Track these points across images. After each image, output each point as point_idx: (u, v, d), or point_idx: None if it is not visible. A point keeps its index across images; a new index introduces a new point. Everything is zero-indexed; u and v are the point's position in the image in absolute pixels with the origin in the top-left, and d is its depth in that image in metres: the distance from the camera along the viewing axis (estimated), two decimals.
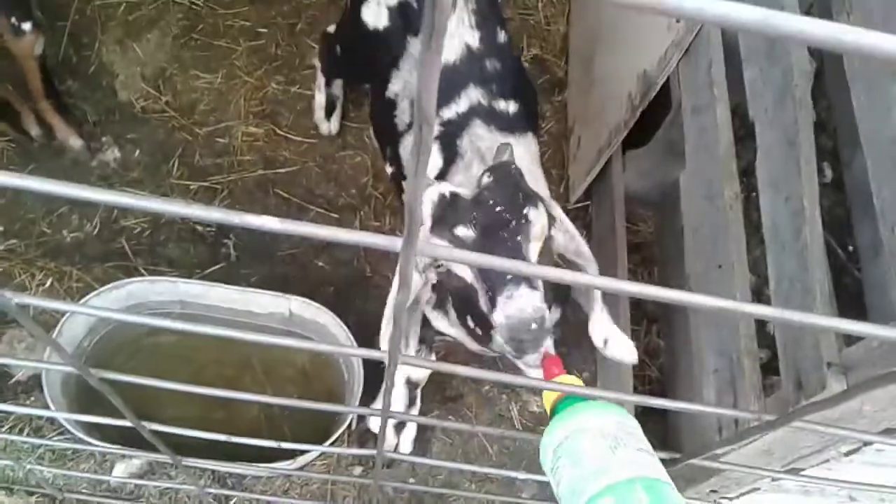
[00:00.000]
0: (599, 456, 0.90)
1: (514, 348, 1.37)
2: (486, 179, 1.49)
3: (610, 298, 2.70)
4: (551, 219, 1.55)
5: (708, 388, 1.91)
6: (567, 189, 3.17)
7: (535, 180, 1.87)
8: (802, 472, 1.88)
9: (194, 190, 2.96)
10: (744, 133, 2.13)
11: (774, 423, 0.98)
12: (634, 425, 0.98)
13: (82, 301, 2.32)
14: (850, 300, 2.52)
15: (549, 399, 1.13)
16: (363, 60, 2.34)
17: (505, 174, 1.50)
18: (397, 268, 1.74)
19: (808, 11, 2.08)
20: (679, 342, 2.67)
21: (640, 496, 0.85)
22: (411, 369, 2.31)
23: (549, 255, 1.59)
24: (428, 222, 1.47)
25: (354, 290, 2.82)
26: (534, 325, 1.34)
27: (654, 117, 2.75)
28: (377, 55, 2.21)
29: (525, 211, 1.45)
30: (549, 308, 1.44)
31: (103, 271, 2.73)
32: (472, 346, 2.11)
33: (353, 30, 2.29)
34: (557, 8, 3.55)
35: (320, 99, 3.07)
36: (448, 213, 1.46)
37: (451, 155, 1.95)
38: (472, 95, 1.98)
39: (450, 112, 1.98)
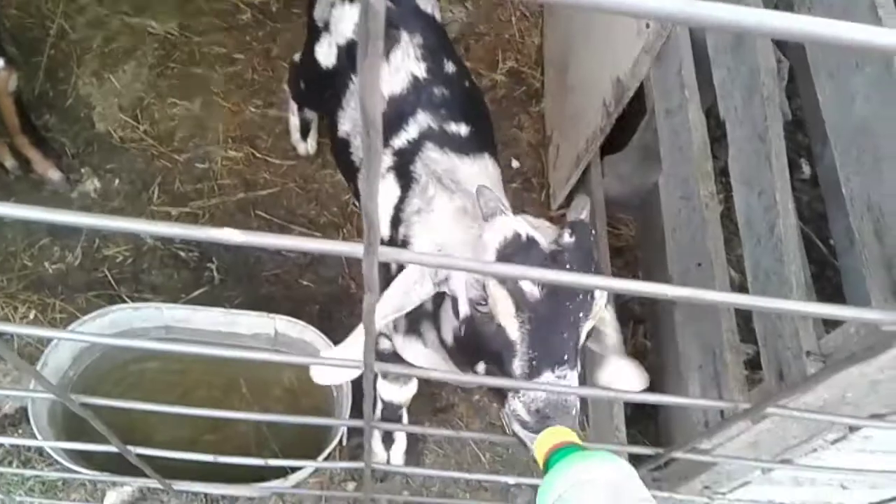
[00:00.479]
0: None
1: (536, 423, 1.26)
2: (566, 238, 1.36)
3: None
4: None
5: (693, 385, 1.93)
6: (548, 197, 3.20)
7: None
8: (791, 464, 1.90)
9: (175, 216, 2.96)
10: (720, 133, 2.16)
11: (750, 411, 1.00)
12: (631, 473, 0.98)
13: (67, 330, 2.31)
14: (833, 293, 2.55)
15: (541, 450, 1.12)
16: (321, 97, 2.35)
17: (584, 236, 1.38)
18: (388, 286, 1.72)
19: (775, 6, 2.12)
20: (665, 342, 2.69)
21: None
22: (391, 393, 2.29)
23: None
24: (492, 257, 1.35)
25: (340, 307, 2.83)
26: (574, 412, 1.27)
27: (630, 122, 2.79)
28: (330, 93, 2.22)
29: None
30: None
31: (86, 301, 2.72)
32: (448, 377, 2.11)
33: (310, 66, 2.31)
34: (531, 21, 3.61)
35: (294, 122, 3.09)
36: (518, 257, 1.33)
37: (406, 182, 1.91)
38: (422, 120, 1.96)
39: (400, 141, 1.96)
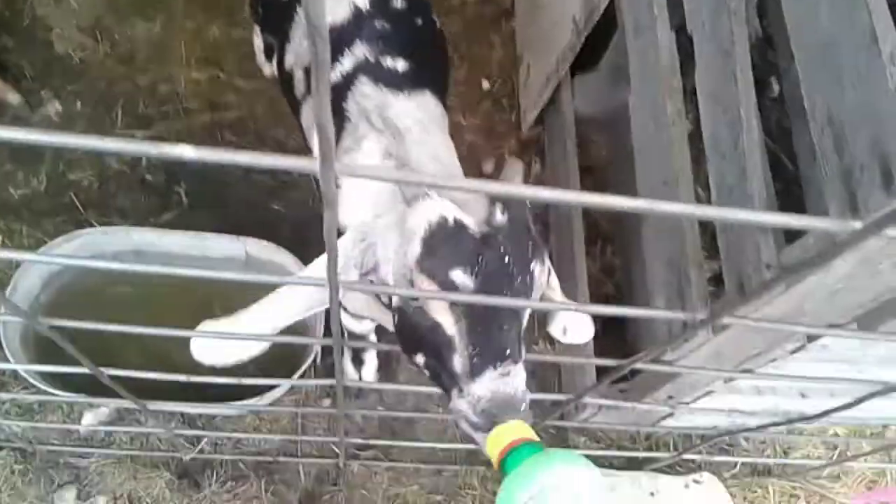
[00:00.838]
0: None
1: (484, 422, 1.18)
2: (498, 217, 1.27)
3: (565, 235, 2.74)
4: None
5: (659, 299, 1.97)
6: (519, 118, 3.19)
7: (423, 142, 1.72)
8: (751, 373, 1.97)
9: (140, 139, 2.90)
10: (692, 52, 2.16)
11: (707, 321, 1.03)
12: (593, 473, 0.96)
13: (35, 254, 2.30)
14: (800, 209, 2.59)
15: (495, 450, 1.08)
16: (275, 23, 2.23)
17: (518, 210, 1.29)
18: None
19: None
20: (632, 259, 2.74)
21: None
22: (352, 325, 2.22)
23: None
24: (417, 248, 1.24)
25: (312, 230, 2.81)
26: (523, 407, 1.20)
27: (601, 40, 2.76)
28: (280, 21, 2.13)
29: (532, 265, 1.27)
30: None
31: (54, 226, 2.70)
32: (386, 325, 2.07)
33: None
34: None
35: (258, 43, 3.01)
36: (446, 246, 1.22)
37: (339, 120, 1.82)
38: (358, 52, 1.87)
39: (334, 74, 1.87)
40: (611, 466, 2.57)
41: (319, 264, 1.42)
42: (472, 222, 1.25)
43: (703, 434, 2.12)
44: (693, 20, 1.87)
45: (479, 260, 1.21)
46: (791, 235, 1.51)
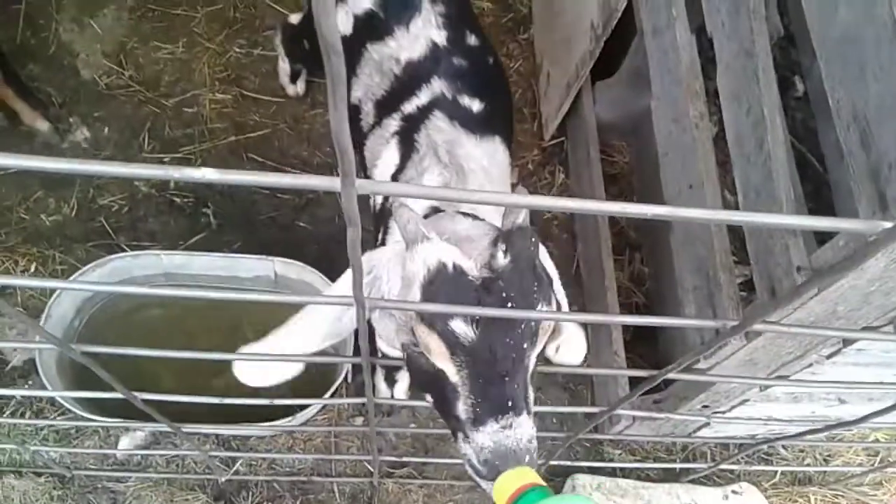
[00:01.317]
0: None
1: (487, 471, 1.16)
2: (500, 260, 1.19)
3: (592, 245, 2.71)
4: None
5: (689, 306, 1.94)
6: (541, 127, 3.17)
7: (483, 187, 1.75)
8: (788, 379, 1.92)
9: (167, 162, 2.94)
10: (713, 53, 2.13)
11: (738, 327, 1.00)
12: None
13: (68, 280, 2.33)
14: (828, 210, 2.54)
15: (502, 497, 1.06)
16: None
17: (522, 250, 1.19)
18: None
19: None
20: (661, 266, 2.70)
21: None
22: (388, 350, 2.22)
23: None
24: (417, 296, 1.19)
25: (338, 247, 2.83)
26: (527, 458, 1.16)
27: (620, 45, 2.74)
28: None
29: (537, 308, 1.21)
30: None
31: (85, 251, 2.73)
32: None
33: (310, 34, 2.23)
34: None
35: (284, 66, 3.04)
36: (445, 294, 1.16)
37: (407, 150, 1.84)
38: (436, 87, 1.89)
39: (411, 106, 1.90)
40: (647, 479, 2.53)
41: (344, 281, 1.41)
42: (472, 266, 1.19)
43: (741, 443, 2.07)
44: (712, 20, 1.84)
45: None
46: (822, 237, 1.48)
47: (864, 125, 1.22)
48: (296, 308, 1.40)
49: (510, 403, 1.16)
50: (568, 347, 1.48)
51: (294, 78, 3.06)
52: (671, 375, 1.34)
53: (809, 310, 1.48)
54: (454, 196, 0.78)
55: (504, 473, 1.10)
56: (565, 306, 1.46)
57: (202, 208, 2.89)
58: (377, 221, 1.91)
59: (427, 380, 1.27)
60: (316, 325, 1.37)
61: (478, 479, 1.21)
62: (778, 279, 1.52)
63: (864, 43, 1.22)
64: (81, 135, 2.98)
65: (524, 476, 1.08)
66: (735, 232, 2.07)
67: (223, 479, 2.37)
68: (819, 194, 2.54)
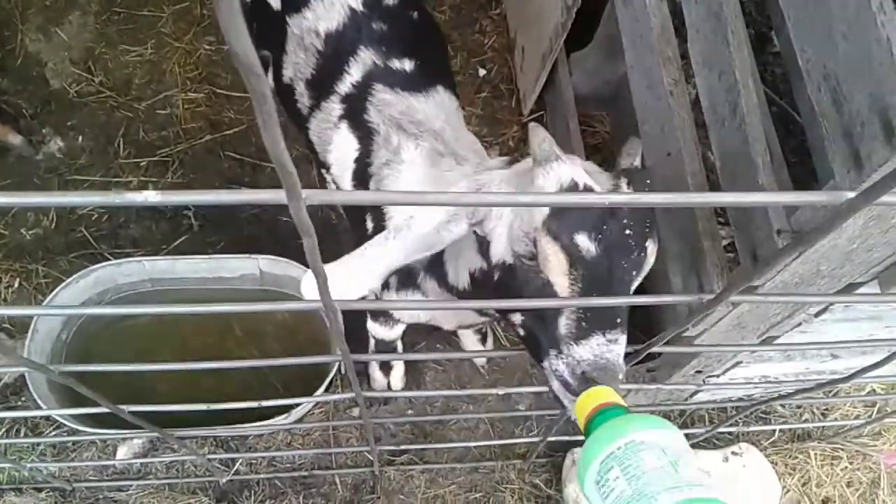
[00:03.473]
0: (664, 471, 0.87)
1: (579, 385, 1.19)
2: (625, 189, 1.29)
3: None
4: None
5: (674, 274, 1.93)
6: (519, 102, 3.14)
7: (457, 139, 1.75)
8: (778, 341, 1.92)
9: (144, 166, 2.91)
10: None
11: (714, 301, 1.00)
12: (685, 441, 0.95)
13: (51, 296, 2.31)
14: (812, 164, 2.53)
15: (583, 412, 1.07)
16: (269, 39, 2.15)
17: (642, 187, 1.30)
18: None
19: None
20: None
21: None
22: (381, 333, 2.24)
23: None
24: (546, 209, 1.22)
25: (323, 240, 2.80)
26: (621, 376, 1.20)
27: (594, 15, 2.71)
28: (274, 35, 2.07)
29: (647, 243, 1.26)
30: None
31: (68, 263, 2.71)
32: (449, 325, 2.08)
33: (259, 5, 2.13)
34: None
35: None
36: (574, 210, 1.21)
37: (364, 133, 1.80)
38: (365, 58, 1.83)
39: (345, 86, 1.84)
40: None
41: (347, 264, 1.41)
42: (601, 190, 1.27)
43: (738, 405, 2.08)
44: None
45: (604, 228, 1.21)
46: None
47: (835, 84, 1.20)
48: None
49: (618, 321, 1.21)
50: None
51: (265, 67, 3.01)
52: (658, 348, 1.33)
53: (793, 271, 1.47)
54: (417, 200, 0.76)
55: (587, 391, 1.11)
56: None
57: (184, 211, 2.87)
58: (348, 211, 1.88)
59: (526, 294, 1.30)
60: (407, 243, 1.39)
61: (563, 394, 1.24)
62: (759, 243, 1.51)
63: (831, 2, 1.20)
64: (55, 145, 2.95)
65: (608, 394, 1.09)
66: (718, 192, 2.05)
67: (224, 481, 2.37)
68: (803, 147, 2.52)
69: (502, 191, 1.40)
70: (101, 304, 2.48)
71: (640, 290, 2.68)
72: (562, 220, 1.21)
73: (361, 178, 1.81)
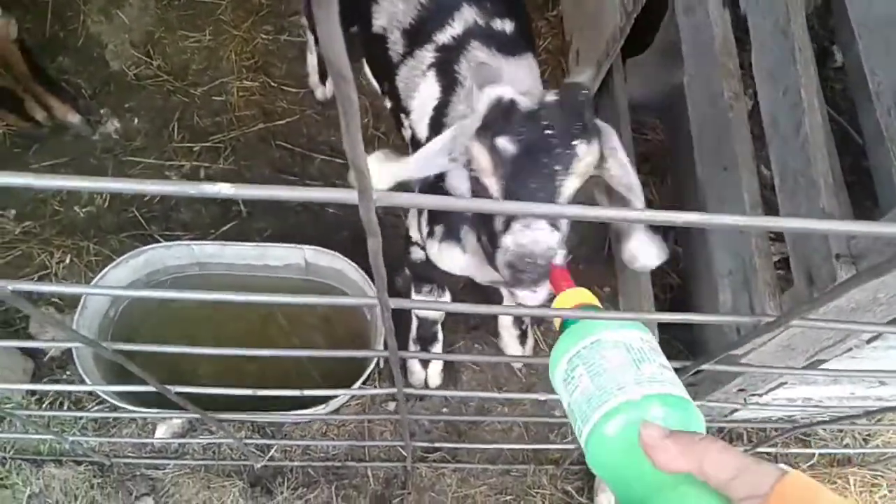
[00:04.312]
0: (623, 369, 0.87)
1: (510, 277, 1.34)
2: (549, 97, 1.39)
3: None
4: (610, 150, 1.45)
5: (724, 291, 1.90)
6: None
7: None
8: (825, 364, 1.88)
9: (197, 151, 2.95)
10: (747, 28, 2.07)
11: (773, 324, 0.98)
12: (655, 341, 0.96)
13: (101, 274, 2.36)
14: (869, 179, 2.47)
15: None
16: (344, 3, 2.23)
17: (571, 97, 1.38)
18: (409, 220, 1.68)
19: None
20: (696, 247, 2.65)
21: (656, 412, 0.82)
22: (423, 311, 2.29)
23: (602, 187, 1.52)
24: (477, 122, 1.40)
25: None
26: (540, 262, 1.29)
27: (652, 21, 2.68)
28: None
29: (575, 143, 1.34)
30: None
31: (119, 242, 2.76)
32: (484, 277, 2.10)
33: None
34: None
35: (312, 60, 3.01)
36: (498, 119, 1.36)
37: (449, 82, 1.85)
38: (467, 15, 1.87)
39: (444, 36, 1.88)
40: None
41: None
42: (524, 100, 1.38)
43: (778, 426, 2.04)
44: None
45: (523, 130, 1.34)
46: (862, 216, 1.43)
47: None
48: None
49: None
50: (643, 251, 1.56)
51: (323, 77, 3.03)
52: (705, 367, 1.32)
53: (849, 297, 1.44)
54: (487, 207, 0.76)
55: (568, 290, 1.14)
56: (641, 204, 1.51)
57: None
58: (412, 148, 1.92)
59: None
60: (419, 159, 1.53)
61: (509, 289, 1.39)
62: (816, 266, 1.48)
63: None
64: (112, 126, 3.00)
65: (587, 297, 1.12)
66: (772, 209, 2.02)
67: (259, 466, 2.40)
68: (858, 165, 2.47)
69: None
70: (150, 284, 2.52)
71: (687, 305, 2.65)
72: (486, 128, 1.37)
73: (436, 126, 1.86)
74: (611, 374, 0.87)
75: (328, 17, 0.45)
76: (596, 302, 1.11)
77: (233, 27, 3.18)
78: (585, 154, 1.35)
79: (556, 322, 1.09)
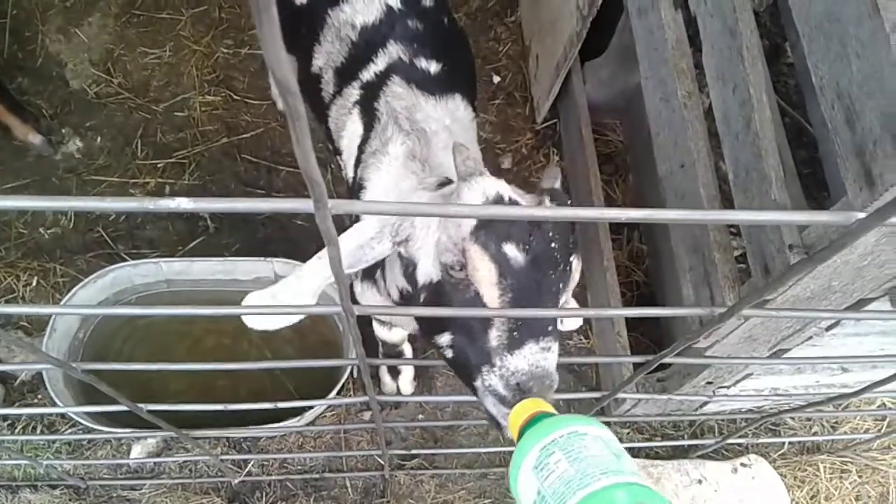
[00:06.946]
0: (605, 458, 0.89)
1: (514, 397, 1.18)
2: (549, 204, 1.32)
3: (590, 225, 2.73)
4: None
5: (686, 286, 1.94)
6: (533, 110, 3.16)
7: (446, 147, 1.73)
8: (788, 353, 1.93)
9: (162, 168, 2.95)
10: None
11: (725, 315, 1.01)
12: (610, 434, 0.97)
13: (69, 295, 2.34)
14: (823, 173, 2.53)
15: (516, 423, 1.08)
16: (294, 35, 2.18)
17: (563, 204, 1.31)
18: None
19: None
20: (659, 244, 2.70)
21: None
22: (383, 335, 2.29)
23: None
24: (473, 220, 1.24)
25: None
26: (553, 385, 1.20)
27: (609, 25, 2.73)
28: (300, 31, 2.11)
29: (571, 258, 1.29)
30: None
31: (86, 262, 2.75)
32: (407, 329, 2.08)
33: (283, 4, 2.15)
34: None
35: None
36: (501, 221, 1.23)
37: (370, 119, 1.83)
38: (392, 51, 1.87)
39: (369, 73, 1.88)
40: (656, 456, 2.54)
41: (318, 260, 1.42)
42: (526, 202, 1.32)
43: (748, 417, 2.08)
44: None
45: (531, 238, 1.22)
46: (819, 206, 1.47)
47: (848, 102, 1.21)
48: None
49: (549, 328, 1.21)
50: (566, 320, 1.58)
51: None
52: (669, 360, 1.35)
53: (804, 286, 1.48)
54: (436, 212, 0.79)
55: (520, 404, 1.10)
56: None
57: (199, 213, 2.89)
58: (351, 194, 1.91)
59: (456, 303, 1.30)
60: (308, 285, 1.42)
61: (497, 409, 1.23)
62: (770, 257, 1.52)
63: (845, 20, 1.21)
64: (74, 145, 2.98)
65: (538, 404, 1.09)
66: (731, 204, 2.06)
67: (236, 481, 2.39)
68: (815, 159, 2.53)
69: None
70: (118, 304, 2.51)
71: (654, 302, 2.70)
72: (489, 231, 1.23)
73: (357, 164, 1.84)
74: (593, 460, 0.88)
75: (271, 34, 0.46)
76: (551, 409, 1.10)
77: (193, 42, 3.18)
78: (576, 270, 1.31)
79: (514, 433, 1.08)
